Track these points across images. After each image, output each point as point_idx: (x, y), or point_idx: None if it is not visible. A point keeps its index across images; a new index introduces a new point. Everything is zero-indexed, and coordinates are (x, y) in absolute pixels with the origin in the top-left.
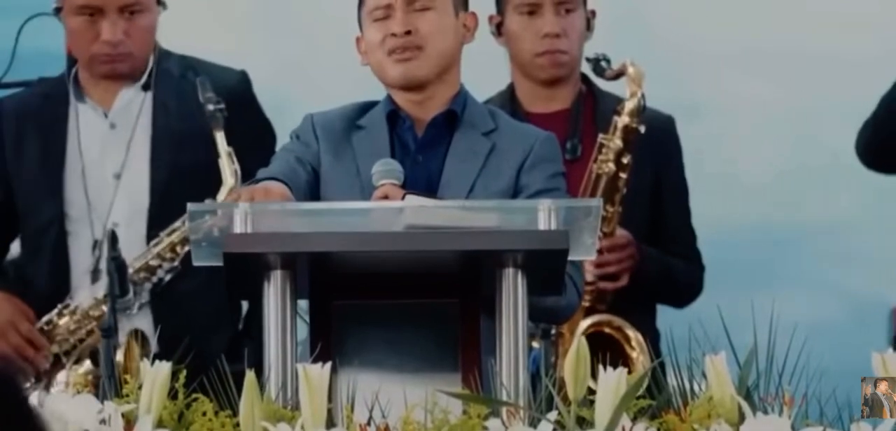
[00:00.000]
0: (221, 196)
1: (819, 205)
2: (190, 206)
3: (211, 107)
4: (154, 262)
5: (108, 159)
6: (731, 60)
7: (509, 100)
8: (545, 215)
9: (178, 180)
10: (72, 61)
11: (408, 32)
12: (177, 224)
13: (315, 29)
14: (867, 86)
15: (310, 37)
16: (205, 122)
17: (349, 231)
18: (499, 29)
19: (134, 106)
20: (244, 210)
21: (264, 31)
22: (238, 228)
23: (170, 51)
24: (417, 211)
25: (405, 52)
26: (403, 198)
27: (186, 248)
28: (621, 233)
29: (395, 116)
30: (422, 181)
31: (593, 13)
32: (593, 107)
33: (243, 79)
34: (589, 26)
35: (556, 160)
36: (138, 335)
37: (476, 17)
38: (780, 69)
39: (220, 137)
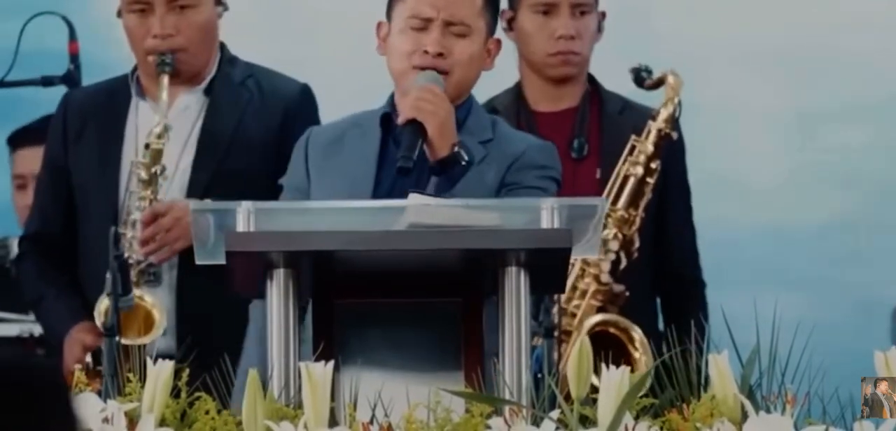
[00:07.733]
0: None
1: (820, 205)
2: (192, 204)
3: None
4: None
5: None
6: (733, 60)
7: (516, 98)
8: (548, 214)
9: (219, 184)
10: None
11: (440, 54)
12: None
13: (315, 29)
14: (868, 86)
15: (310, 37)
16: (258, 132)
17: (352, 229)
18: (510, 24)
19: (192, 110)
20: (247, 208)
21: (265, 31)
22: (241, 227)
23: (237, 57)
24: (420, 210)
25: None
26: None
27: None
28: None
29: (389, 118)
30: (410, 181)
31: (603, 15)
32: (599, 107)
33: (305, 92)
34: (599, 28)
35: (550, 166)
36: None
37: (500, 44)
38: (780, 69)
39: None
